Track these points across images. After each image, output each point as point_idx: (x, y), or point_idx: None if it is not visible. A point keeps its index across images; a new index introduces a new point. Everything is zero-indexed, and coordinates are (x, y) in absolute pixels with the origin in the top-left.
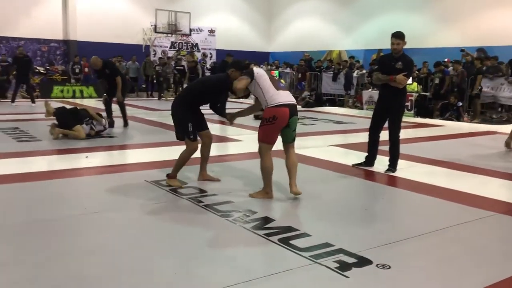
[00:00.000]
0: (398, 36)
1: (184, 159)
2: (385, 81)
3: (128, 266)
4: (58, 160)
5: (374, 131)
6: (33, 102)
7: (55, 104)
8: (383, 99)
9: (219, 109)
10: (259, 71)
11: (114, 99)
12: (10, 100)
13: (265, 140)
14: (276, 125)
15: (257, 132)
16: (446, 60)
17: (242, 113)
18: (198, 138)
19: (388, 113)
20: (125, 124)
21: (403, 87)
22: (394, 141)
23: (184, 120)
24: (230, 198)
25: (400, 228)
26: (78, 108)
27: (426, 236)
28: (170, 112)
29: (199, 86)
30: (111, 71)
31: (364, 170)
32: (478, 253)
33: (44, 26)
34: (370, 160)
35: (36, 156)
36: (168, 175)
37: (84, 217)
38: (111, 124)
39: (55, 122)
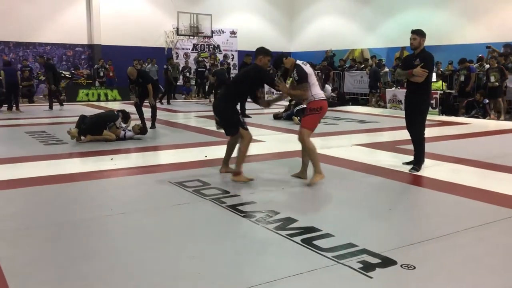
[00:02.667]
0: (413, 31)
1: (244, 151)
2: (404, 75)
3: (153, 266)
4: (84, 163)
5: (410, 129)
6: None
7: (82, 108)
8: (407, 95)
9: (257, 99)
10: (309, 71)
11: (145, 103)
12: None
13: (311, 126)
14: (321, 114)
15: (278, 132)
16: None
17: (276, 100)
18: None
19: (411, 110)
20: (153, 126)
21: (425, 84)
22: (416, 140)
23: (234, 114)
24: (252, 199)
25: (425, 228)
26: (99, 113)
27: (452, 236)
28: (195, 114)
29: (238, 83)
30: (144, 79)
31: (388, 169)
32: (504, 253)
33: (69, 31)
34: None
35: (62, 158)
36: (234, 174)
37: (110, 218)
38: (143, 131)
39: (73, 128)
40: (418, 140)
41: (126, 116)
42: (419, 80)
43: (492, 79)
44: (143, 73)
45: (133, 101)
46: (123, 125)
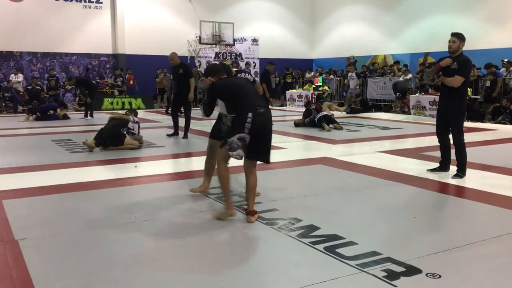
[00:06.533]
0: (453, 34)
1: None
2: (433, 73)
3: (177, 275)
4: (108, 170)
5: (440, 135)
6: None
7: (108, 116)
8: (440, 101)
9: None
10: None
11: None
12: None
13: None
14: None
15: (300, 139)
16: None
17: None
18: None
19: (446, 116)
20: (185, 136)
21: (459, 90)
22: (457, 145)
23: None
24: (274, 206)
25: (451, 236)
26: (110, 122)
27: (479, 244)
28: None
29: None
30: (185, 71)
31: (413, 177)
32: None
33: (94, 41)
34: (443, 165)
35: (87, 166)
36: (248, 212)
37: (134, 225)
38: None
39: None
40: (459, 146)
41: (134, 111)
42: (455, 84)
43: None
44: (185, 65)
45: (164, 109)
46: (135, 127)
